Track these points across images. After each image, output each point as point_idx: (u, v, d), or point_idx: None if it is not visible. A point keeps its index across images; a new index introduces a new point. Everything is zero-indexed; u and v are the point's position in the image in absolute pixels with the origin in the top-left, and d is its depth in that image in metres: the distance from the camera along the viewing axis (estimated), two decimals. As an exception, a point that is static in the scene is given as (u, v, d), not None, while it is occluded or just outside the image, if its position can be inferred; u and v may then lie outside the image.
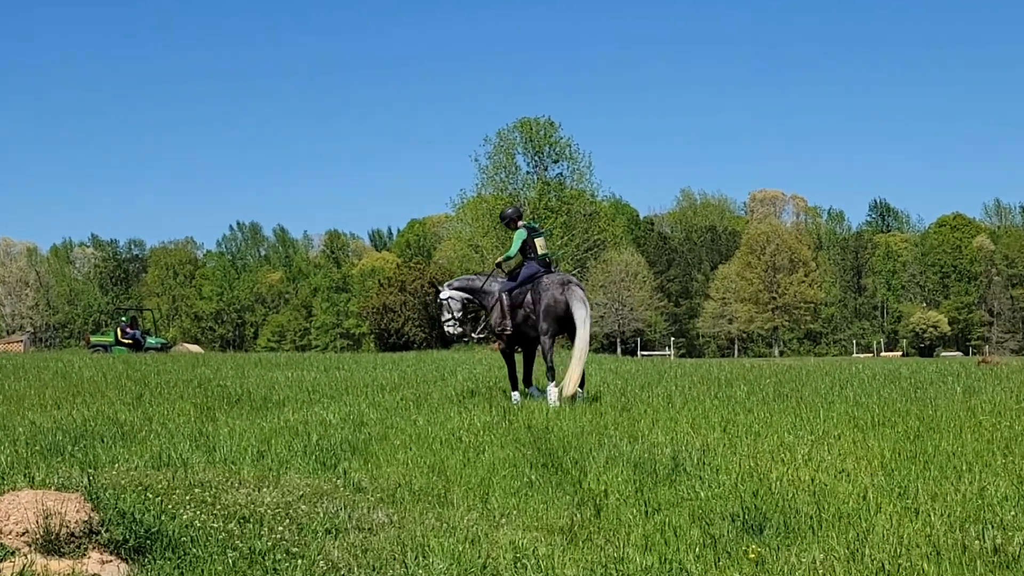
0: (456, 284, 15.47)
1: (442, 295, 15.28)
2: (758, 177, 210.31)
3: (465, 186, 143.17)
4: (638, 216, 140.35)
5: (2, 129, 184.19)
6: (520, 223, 15.21)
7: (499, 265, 15.51)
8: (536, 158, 78.77)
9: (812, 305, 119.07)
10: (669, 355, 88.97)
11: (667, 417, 12.39)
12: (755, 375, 21.76)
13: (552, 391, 14.24)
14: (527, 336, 14.99)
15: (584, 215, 78.24)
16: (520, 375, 15.55)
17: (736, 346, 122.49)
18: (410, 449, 10.43)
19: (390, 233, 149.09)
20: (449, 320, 15.18)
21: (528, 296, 14.70)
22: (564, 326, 14.62)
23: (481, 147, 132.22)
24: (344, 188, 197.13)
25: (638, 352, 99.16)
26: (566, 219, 76.70)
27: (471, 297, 15.25)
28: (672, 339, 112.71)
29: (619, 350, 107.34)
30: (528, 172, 79.19)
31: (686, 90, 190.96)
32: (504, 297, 14.81)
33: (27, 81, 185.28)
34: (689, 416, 12.49)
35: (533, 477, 8.86)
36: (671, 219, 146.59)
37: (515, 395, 14.97)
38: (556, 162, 78.95)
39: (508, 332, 14.86)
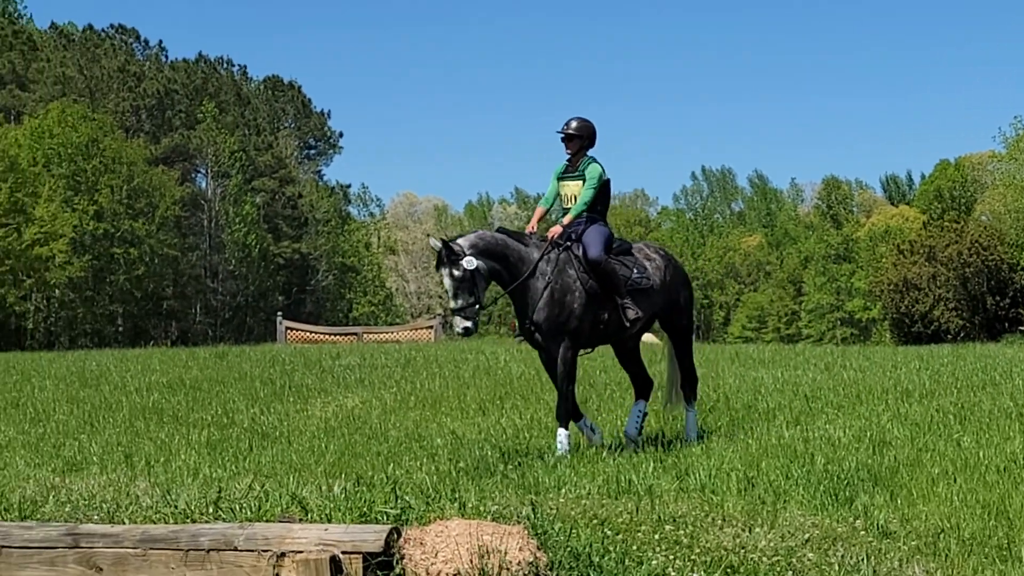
0: (478, 244, 12.80)
1: (467, 261, 12.58)
2: None
3: (1021, 112, 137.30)
4: None
5: (410, 61, 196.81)
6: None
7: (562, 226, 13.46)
8: None
9: None
10: None
11: None
12: None
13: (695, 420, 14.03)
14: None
15: None
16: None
17: None
18: (954, 480, 10.24)
19: (910, 180, 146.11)
20: (470, 307, 12.60)
21: (656, 274, 13.51)
22: None
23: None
24: (846, 122, 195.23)
25: None
26: None
27: (498, 268, 12.86)
28: None
29: None
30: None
31: None
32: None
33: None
34: None
35: None
36: None
37: (564, 434, 12.91)
38: None
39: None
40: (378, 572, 7.44)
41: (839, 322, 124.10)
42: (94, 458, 13.77)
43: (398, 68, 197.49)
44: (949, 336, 58.72)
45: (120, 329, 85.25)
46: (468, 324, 12.51)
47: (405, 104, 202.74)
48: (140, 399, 20.20)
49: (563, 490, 9.74)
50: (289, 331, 48.08)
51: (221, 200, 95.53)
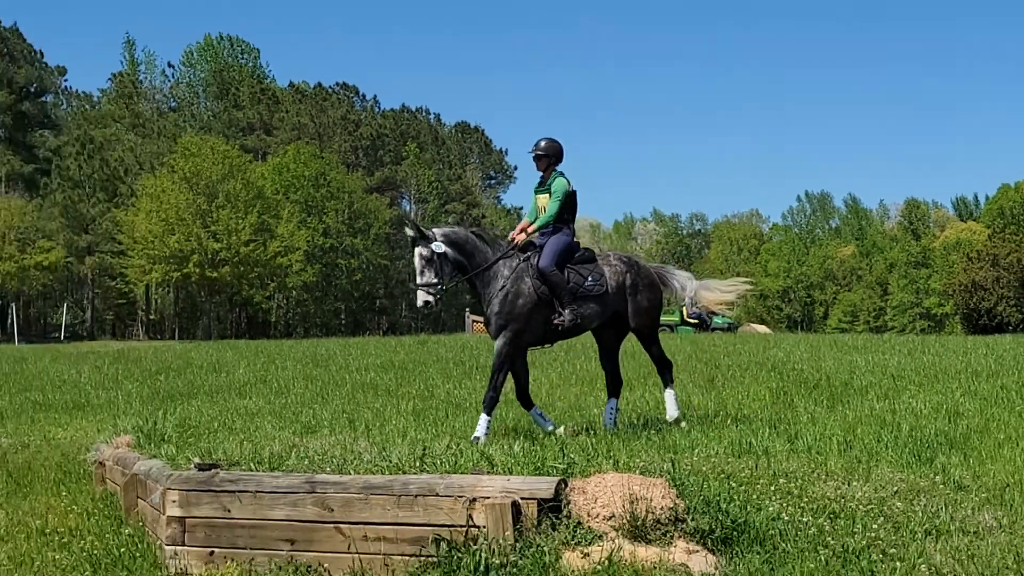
0: (450, 236, 11.86)
1: (436, 245, 11.67)
2: None
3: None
4: None
5: (569, 100, 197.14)
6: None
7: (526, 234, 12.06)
8: None
9: None
10: None
11: None
12: None
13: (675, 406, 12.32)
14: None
15: None
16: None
17: None
18: (1017, 444, 9.98)
19: (976, 200, 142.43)
20: (432, 285, 11.65)
21: (613, 279, 11.95)
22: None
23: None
24: (923, 152, 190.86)
25: None
26: None
27: (464, 262, 11.86)
28: None
29: None
30: None
31: None
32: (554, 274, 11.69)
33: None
34: None
35: None
36: None
37: (485, 420, 11.40)
38: None
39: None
40: (549, 514, 7.48)
41: (918, 316, 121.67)
42: (325, 423, 13.98)
43: (561, 108, 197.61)
44: (1010, 327, 57.35)
45: (343, 322, 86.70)
46: (428, 299, 11.60)
47: (565, 139, 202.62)
48: (360, 377, 20.50)
49: (696, 450, 9.67)
50: (475, 323, 48.42)
51: (421, 220, 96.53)
